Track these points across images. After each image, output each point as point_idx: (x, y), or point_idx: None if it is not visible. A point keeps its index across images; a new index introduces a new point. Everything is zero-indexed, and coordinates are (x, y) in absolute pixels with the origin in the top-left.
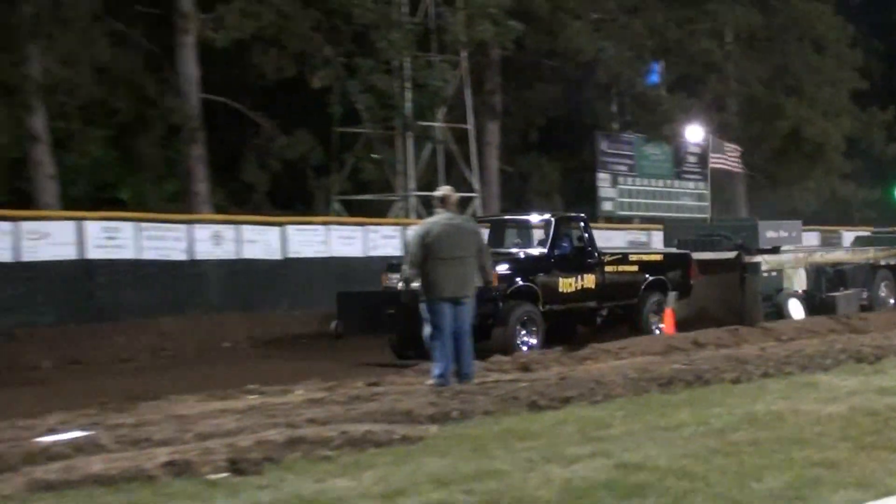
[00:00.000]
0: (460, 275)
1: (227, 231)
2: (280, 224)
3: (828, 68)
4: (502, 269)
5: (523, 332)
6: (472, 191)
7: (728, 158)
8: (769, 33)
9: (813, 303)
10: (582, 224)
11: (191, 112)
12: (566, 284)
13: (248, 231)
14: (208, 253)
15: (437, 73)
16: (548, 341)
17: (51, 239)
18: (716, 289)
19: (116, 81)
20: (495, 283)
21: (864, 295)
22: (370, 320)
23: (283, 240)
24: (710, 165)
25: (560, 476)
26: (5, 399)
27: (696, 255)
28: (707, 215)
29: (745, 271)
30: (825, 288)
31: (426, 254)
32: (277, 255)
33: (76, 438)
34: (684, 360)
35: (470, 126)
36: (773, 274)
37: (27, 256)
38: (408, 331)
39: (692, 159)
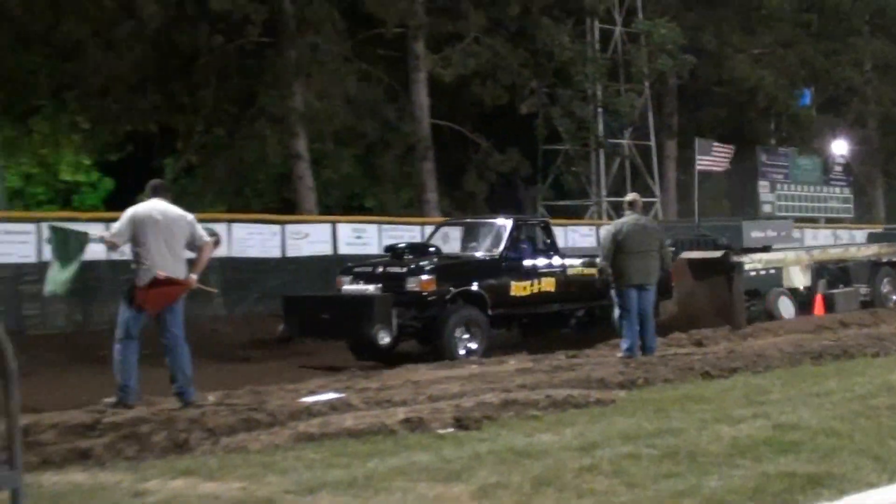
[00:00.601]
0: (645, 266)
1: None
2: None
3: None
4: (441, 272)
5: (466, 336)
6: (653, 197)
7: (716, 159)
8: None
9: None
10: (543, 227)
11: (423, 134)
12: (520, 288)
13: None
14: None
15: (624, 99)
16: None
17: (310, 238)
18: (703, 289)
19: (363, 110)
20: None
21: (865, 291)
22: (313, 324)
23: None
24: (697, 168)
25: (728, 434)
26: (276, 368)
27: (685, 255)
28: (850, 215)
29: (733, 271)
30: (827, 286)
31: (617, 248)
32: None
33: (332, 399)
34: (832, 338)
35: (652, 143)
36: (771, 272)
37: (291, 252)
38: (353, 335)
39: (837, 168)
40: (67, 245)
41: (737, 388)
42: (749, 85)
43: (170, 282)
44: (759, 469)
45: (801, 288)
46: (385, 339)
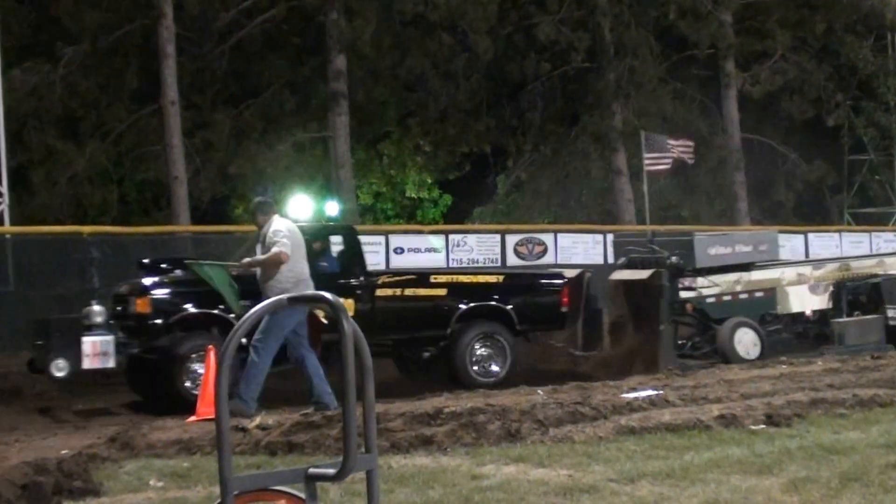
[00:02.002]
0: None
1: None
2: (803, 232)
3: None
4: (168, 292)
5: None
6: None
7: (668, 154)
8: None
9: (818, 331)
10: (343, 237)
11: (734, 147)
12: None
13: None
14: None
15: None
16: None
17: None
18: (633, 318)
19: (677, 126)
20: None
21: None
22: (65, 352)
23: (806, 244)
24: (646, 168)
25: None
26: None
27: (615, 275)
28: None
29: (661, 296)
30: (846, 309)
31: None
32: (801, 255)
33: (651, 396)
34: None
35: None
36: (757, 295)
37: (613, 259)
38: (42, 365)
39: None
40: (213, 279)
41: None
42: None
43: None
44: None
45: (809, 313)
46: (61, 371)
